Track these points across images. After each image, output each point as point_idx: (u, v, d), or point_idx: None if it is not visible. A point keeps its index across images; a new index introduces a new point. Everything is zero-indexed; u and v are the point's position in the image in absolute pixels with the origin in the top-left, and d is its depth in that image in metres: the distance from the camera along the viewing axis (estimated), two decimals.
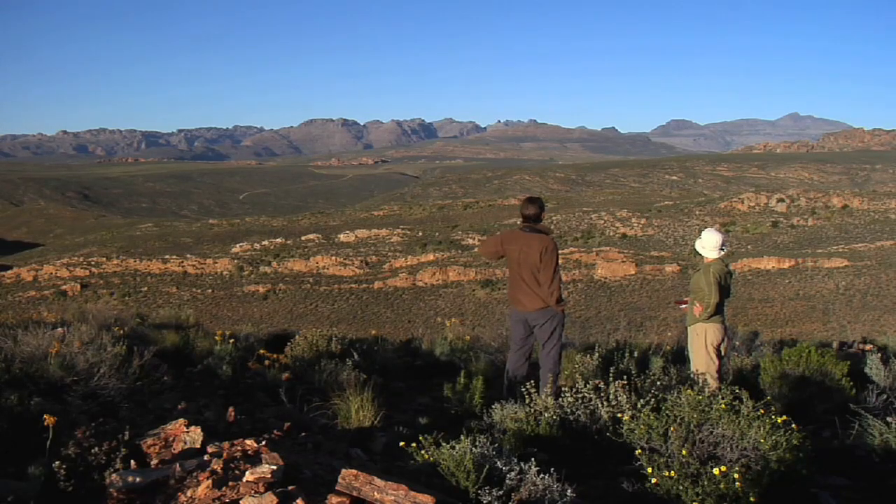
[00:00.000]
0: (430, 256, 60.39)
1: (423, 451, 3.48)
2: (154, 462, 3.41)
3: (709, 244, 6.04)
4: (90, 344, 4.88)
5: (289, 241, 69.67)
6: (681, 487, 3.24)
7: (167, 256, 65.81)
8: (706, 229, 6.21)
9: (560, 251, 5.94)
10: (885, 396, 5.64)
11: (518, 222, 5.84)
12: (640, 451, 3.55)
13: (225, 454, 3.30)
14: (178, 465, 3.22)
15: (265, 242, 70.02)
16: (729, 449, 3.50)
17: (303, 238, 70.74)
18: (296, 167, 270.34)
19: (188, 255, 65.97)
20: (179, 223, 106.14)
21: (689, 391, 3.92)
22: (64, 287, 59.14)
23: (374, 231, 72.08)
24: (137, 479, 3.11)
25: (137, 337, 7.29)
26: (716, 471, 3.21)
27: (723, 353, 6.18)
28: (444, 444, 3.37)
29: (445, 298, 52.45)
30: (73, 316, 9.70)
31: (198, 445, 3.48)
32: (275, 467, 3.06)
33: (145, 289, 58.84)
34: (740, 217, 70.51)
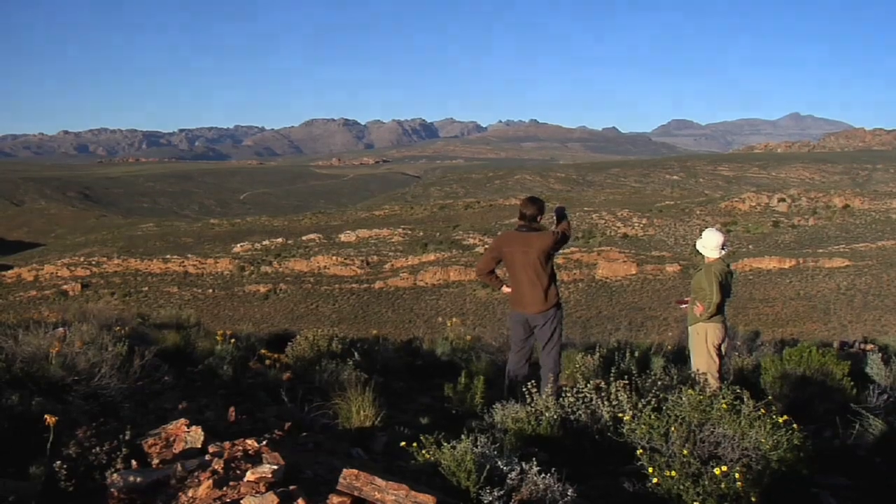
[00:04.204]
0: (431, 256, 60.40)
1: (424, 451, 3.48)
2: (155, 462, 3.41)
3: (710, 244, 6.03)
4: (91, 344, 4.88)
5: (290, 241, 69.70)
6: (682, 487, 3.23)
7: (168, 256, 65.86)
8: (707, 229, 6.21)
9: (562, 250, 5.91)
10: (885, 396, 5.64)
11: (516, 221, 5.79)
12: (641, 450, 3.54)
13: (226, 454, 3.30)
14: (179, 464, 3.22)
15: (266, 242, 70.04)
16: (730, 449, 3.50)
17: (304, 238, 70.76)
18: (297, 167, 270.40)
19: (189, 255, 66.02)
20: (180, 223, 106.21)
21: (690, 391, 3.92)
22: (65, 287, 59.22)
23: (374, 231, 72.09)
24: (138, 479, 3.11)
25: (138, 337, 7.29)
26: (717, 470, 3.21)
27: (724, 353, 6.18)
28: (445, 443, 3.37)
29: (446, 298, 52.46)
30: (73, 316, 9.69)
31: (199, 445, 3.48)
32: (276, 467, 3.06)
33: (146, 288, 58.89)
34: (741, 217, 70.51)
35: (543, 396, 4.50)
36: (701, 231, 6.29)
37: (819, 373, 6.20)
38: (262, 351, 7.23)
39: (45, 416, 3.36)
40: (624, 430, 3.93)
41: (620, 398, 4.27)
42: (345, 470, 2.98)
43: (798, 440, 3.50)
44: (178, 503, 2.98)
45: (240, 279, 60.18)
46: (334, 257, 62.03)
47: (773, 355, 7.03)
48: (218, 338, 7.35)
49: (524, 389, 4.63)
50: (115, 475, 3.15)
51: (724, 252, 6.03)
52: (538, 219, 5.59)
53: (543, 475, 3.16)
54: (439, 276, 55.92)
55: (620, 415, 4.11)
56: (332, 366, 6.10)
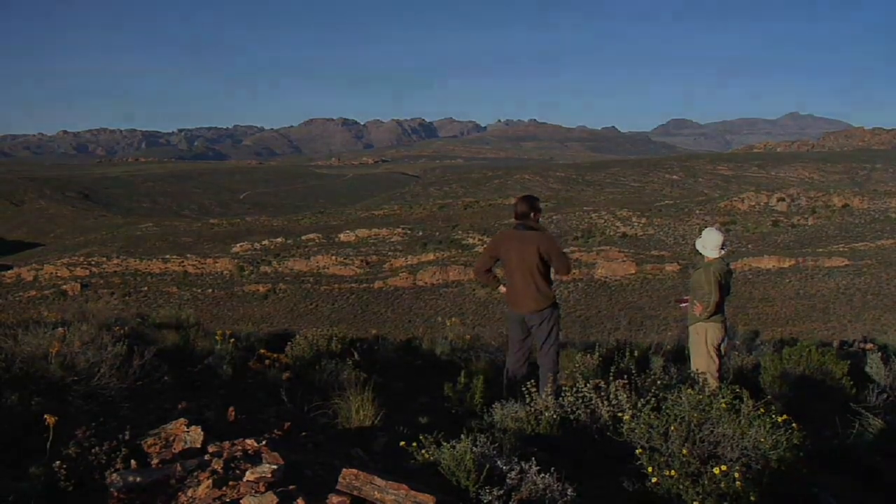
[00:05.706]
0: (431, 256, 60.38)
1: (423, 451, 3.48)
2: (154, 462, 3.40)
3: (710, 243, 6.04)
4: (91, 344, 4.88)
5: (289, 241, 69.64)
6: (681, 487, 3.24)
7: (167, 256, 65.81)
8: (707, 228, 6.21)
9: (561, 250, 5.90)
10: (885, 395, 5.65)
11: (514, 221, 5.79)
12: (640, 450, 3.55)
13: (225, 454, 3.31)
14: (178, 464, 3.22)
15: (265, 242, 69.98)
16: (729, 448, 3.50)
17: (303, 237, 70.69)
18: (296, 167, 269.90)
19: (188, 255, 65.97)
20: (180, 223, 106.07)
21: (689, 390, 3.92)
22: (64, 287, 59.13)
23: (374, 230, 72.04)
24: (138, 479, 3.11)
25: (138, 337, 7.27)
26: (716, 470, 3.22)
27: (723, 353, 6.18)
28: (444, 443, 3.37)
29: (446, 298, 52.45)
30: (73, 315, 9.67)
31: (198, 445, 3.48)
32: (275, 467, 3.06)
33: (146, 288, 58.84)
34: (741, 216, 70.50)
35: (543, 396, 4.50)
36: (701, 230, 6.29)
37: (818, 372, 6.21)
38: (262, 351, 7.22)
39: (45, 416, 3.36)
40: (623, 430, 3.94)
41: (620, 398, 4.27)
42: (344, 469, 2.98)
43: (797, 439, 3.50)
44: (178, 503, 2.98)
45: (239, 279, 60.14)
46: (334, 257, 62.01)
47: (772, 354, 7.03)
48: (217, 337, 7.34)
49: (523, 389, 4.63)
50: (114, 475, 3.15)
51: (723, 251, 6.04)
52: (532, 216, 5.59)
53: (543, 475, 3.16)
54: (438, 275, 55.91)
55: (620, 414, 4.12)
56: (331, 365, 6.10)
